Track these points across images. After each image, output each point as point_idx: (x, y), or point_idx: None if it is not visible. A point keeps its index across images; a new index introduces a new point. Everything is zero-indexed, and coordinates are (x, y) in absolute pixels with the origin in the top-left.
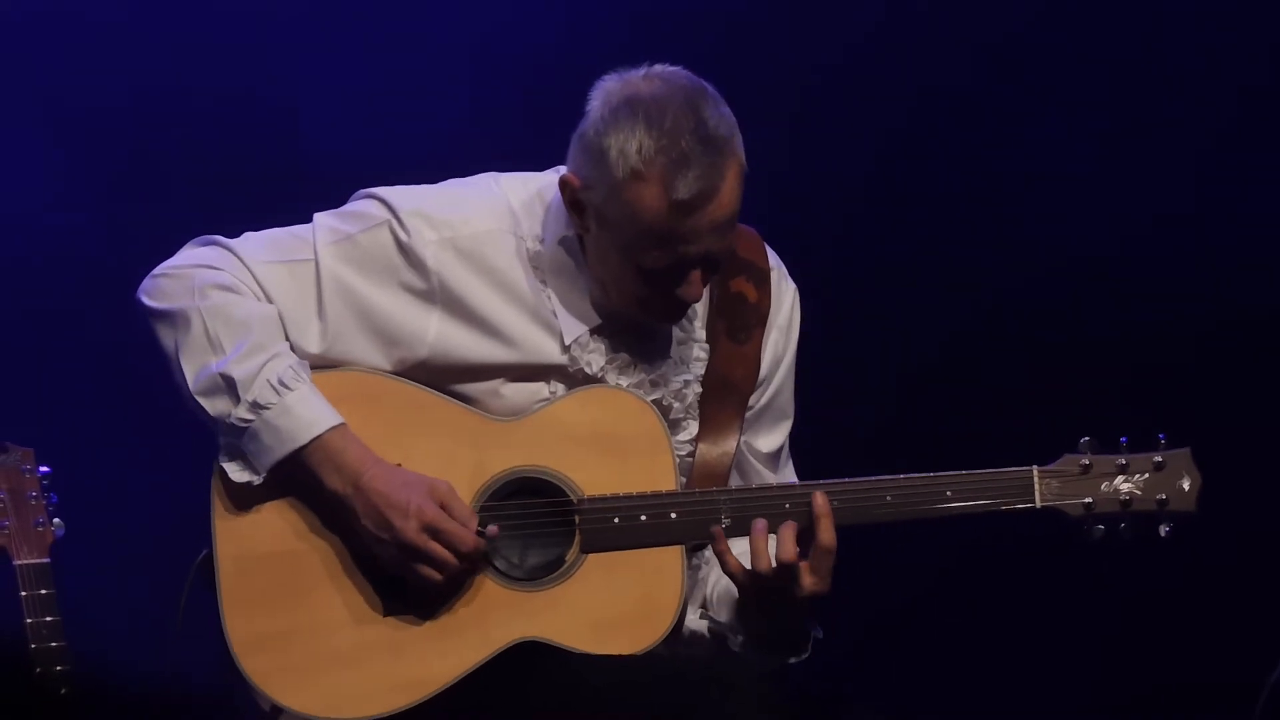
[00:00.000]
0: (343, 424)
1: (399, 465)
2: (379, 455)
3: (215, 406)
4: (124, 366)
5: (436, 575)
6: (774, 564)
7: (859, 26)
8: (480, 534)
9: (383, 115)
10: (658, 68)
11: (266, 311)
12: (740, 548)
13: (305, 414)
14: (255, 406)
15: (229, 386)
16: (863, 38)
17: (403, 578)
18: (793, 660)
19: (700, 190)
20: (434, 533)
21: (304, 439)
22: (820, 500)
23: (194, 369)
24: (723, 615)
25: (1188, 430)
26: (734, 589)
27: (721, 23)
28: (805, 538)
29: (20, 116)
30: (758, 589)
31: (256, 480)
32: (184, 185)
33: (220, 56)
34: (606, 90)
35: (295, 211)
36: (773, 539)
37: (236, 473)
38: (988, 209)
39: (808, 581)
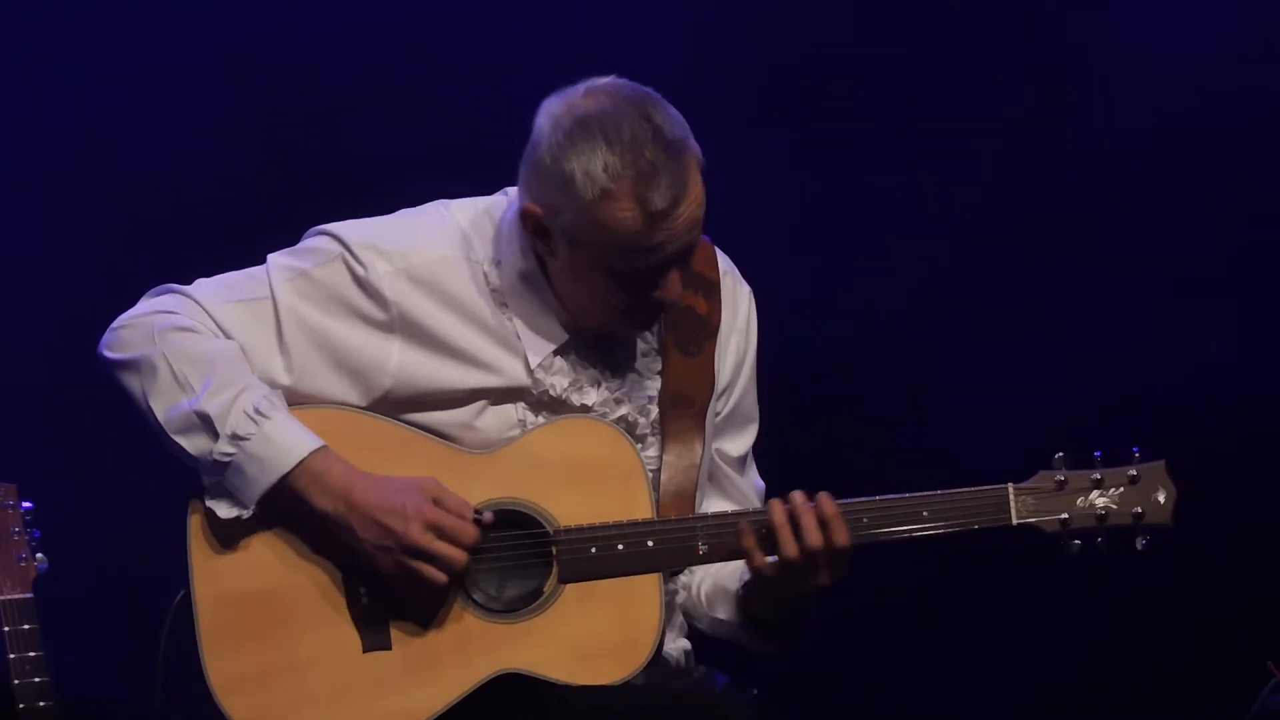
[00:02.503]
0: (324, 446)
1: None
2: None
3: (194, 445)
4: (106, 403)
5: (442, 576)
6: (799, 551)
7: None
8: (477, 521)
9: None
10: (596, 82)
11: (229, 347)
12: (727, 569)
13: (285, 440)
14: (235, 439)
15: (205, 423)
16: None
17: (393, 597)
18: (795, 641)
19: (673, 197)
20: (438, 531)
21: (289, 465)
22: (828, 503)
23: (166, 411)
24: (721, 613)
25: (1164, 444)
26: (725, 584)
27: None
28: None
29: None
30: (783, 577)
31: (246, 514)
32: (161, 216)
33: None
34: (552, 114)
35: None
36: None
37: (225, 510)
38: (956, 218)
39: (824, 576)
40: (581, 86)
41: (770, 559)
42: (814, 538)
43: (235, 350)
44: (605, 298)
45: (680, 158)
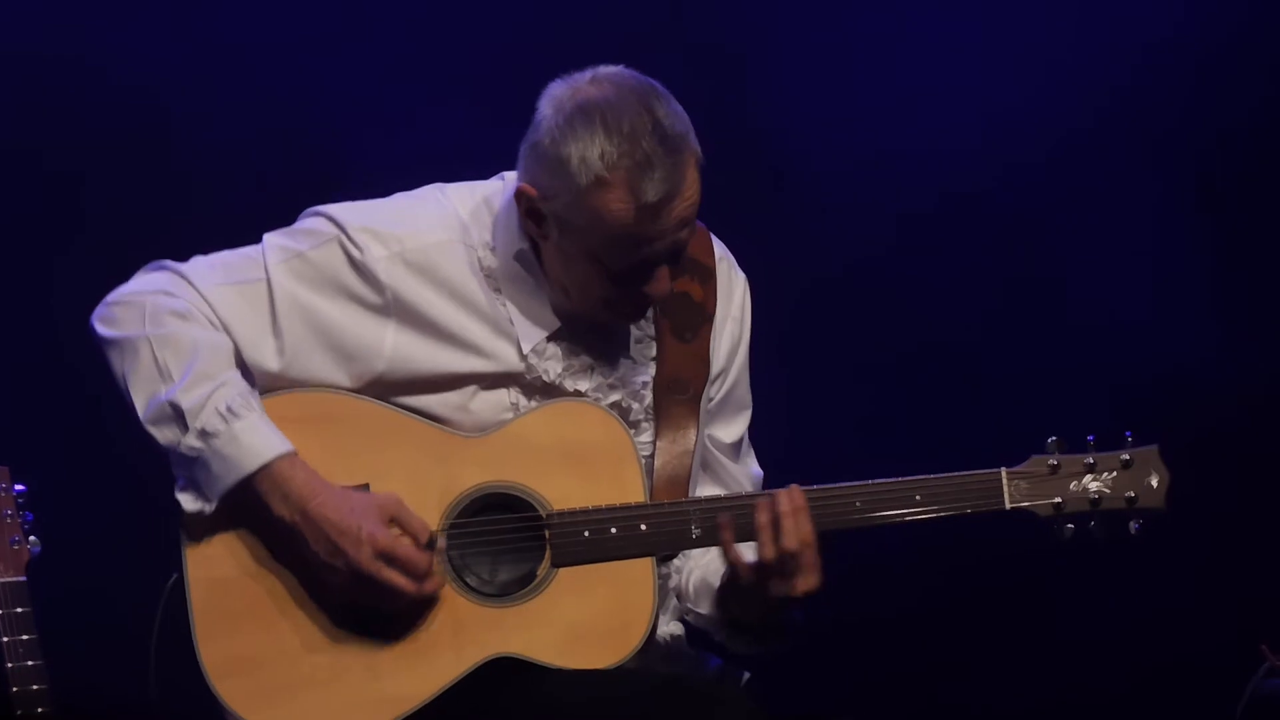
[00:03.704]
0: (292, 452)
1: (366, 485)
2: (346, 475)
3: (165, 435)
4: (100, 384)
5: (390, 604)
6: (774, 553)
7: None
8: (431, 544)
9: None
10: (603, 70)
11: (215, 340)
12: (715, 564)
13: (253, 442)
14: (203, 434)
15: (177, 415)
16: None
17: (354, 606)
18: (775, 646)
19: (666, 191)
20: (389, 559)
21: (252, 467)
22: (791, 496)
23: (143, 398)
24: (703, 608)
25: (1155, 428)
26: (710, 580)
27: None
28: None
29: None
30: (758, 578)
31: (208, 509)
32: (148, 201)
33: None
34: (556, 97)
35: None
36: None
37: (189, 503)
38: (950, 211)
39: (796, 583)
40: (588, 73)
41: (747, 559)
42: (792, 540)
43: (221, 343)
44: (593, 287)
45: (678, 154)
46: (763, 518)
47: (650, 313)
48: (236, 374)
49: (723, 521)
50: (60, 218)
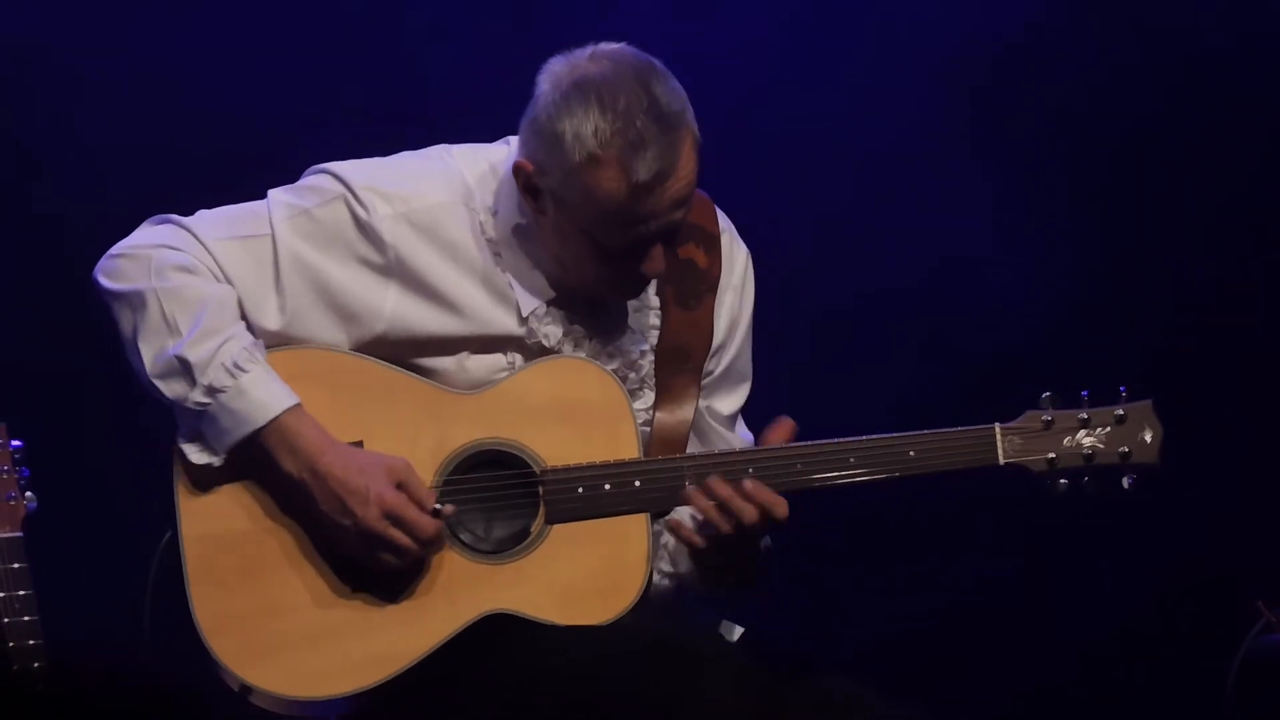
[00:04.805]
0: (298, 405)
1: (360, 443)
2: (340, 433)
3: (172, 389)
4: (96, 341)
5: (397, 561)
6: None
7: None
8: (436, 513)
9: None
10: (603, 46)
11: (222, 293)
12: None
13: (260, 396)
14: (211, 390)
15: (185, 370)
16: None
17: (360, 562)
18: (752, 582)
19: (659, 170)
20: (395, 520)
21: (259, 422)
22: (749, 488)
23: (151, 352)
24: (681, 566)
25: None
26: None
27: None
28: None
29: None
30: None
31: (216, 462)
32: (140, 160)
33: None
34: (554, 73)
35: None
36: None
37: (195, 454)
38: (942, 165)
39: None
40: (588, 49)
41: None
42: (750, 515)
43: (228, 296)
44: (588, 264)
45: (673, 132)
46: (701, 501)
47: (654, 283)
48: (242, 326)
49: (689, 493)
50: (48, 174)
